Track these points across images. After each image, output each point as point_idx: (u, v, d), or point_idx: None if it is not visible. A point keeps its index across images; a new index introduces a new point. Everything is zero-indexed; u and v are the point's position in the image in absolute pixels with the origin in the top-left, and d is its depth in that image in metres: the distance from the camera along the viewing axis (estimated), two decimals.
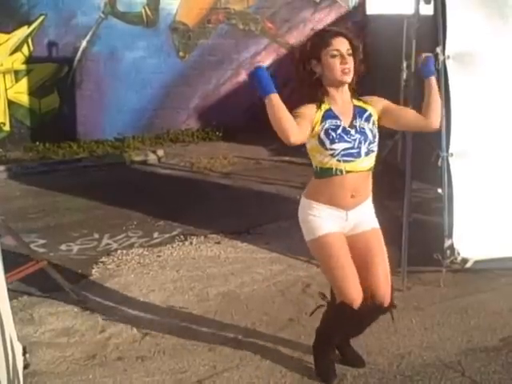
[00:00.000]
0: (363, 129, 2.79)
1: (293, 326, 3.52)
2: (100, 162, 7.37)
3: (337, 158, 2.76)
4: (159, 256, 4.59)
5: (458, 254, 3.89)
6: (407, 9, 4.45)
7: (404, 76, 6.34)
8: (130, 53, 8.33)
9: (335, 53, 2.72)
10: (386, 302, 2.89)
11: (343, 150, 2.75)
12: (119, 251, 4.67)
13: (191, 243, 4.82)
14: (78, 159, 7.50)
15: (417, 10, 3.97)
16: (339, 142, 2.75)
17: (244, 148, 7.90)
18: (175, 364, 3.18)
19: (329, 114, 2.77)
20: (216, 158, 7.54)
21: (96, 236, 5.00)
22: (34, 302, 3.84)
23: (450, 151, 3.84)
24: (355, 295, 2.81)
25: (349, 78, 2.76)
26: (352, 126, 2.79)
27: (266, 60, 9.07)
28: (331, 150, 2.75)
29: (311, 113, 2.75)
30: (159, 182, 6.73)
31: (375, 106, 2.87)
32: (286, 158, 7.28)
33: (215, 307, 3.78)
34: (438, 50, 3.75)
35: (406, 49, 6.06)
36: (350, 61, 2.74)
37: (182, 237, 4.95)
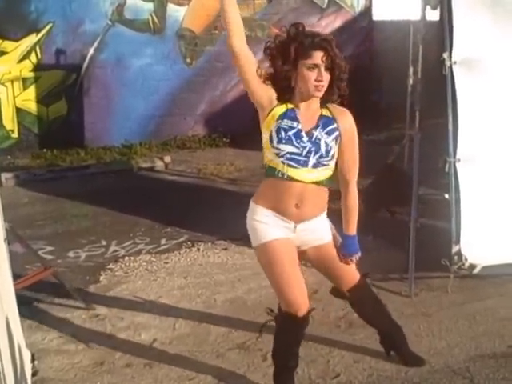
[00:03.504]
0: (319, 140, 2.69)
1: None
2: (107, 168, 7.40)
3: (281, 159, 2.69)
4: (166, 263, 4.59)
5: (466, 259, 3.88)
6: (414, 15, 4.45)
7: (410, 81, 6.34)
8: (137, 60, 8.37)
9: (312, 66, 2.62)
10: (353, 283, 3.02)
11: (289, 153, 2.67)
12: (127, 258, 4.68)
13: (198, 250, 4.83)
14: (86, 166, 7.53)
15: (423, 15, 3.98)
16: (286, 143, 2.67)
17: (251, 154, 7.88)
18: (183, 371, 3.18)
19: (289, 114, 2.70)
20: (223, 164, 7.56)
21: (103, 243, 5.01)
22: (42, 308, 3.85)
23: (458, 157, 3.84)
24: (300, 302, 2.77)
25: (320, 94, 2.68)
26: (309, 133, 2.70)
27: None
28: (277, 149, 2.68)
29: (272, 95, 2.71)
30: (166, 188, 6.74)
31: (340, 124, 2.75)
32: None
33: (222, 314, 3.78)
34: (445, 55, 3.75)
35: (413, 54, 6.07)
36: (326, 77, 2.64)
37: (189, 243, 4.96)
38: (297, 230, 2.79)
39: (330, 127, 2.73)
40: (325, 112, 2.75)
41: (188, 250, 4.84)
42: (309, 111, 2.73)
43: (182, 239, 5.06)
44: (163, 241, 5.05)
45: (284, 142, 2.68)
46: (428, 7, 3.94)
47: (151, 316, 3.76)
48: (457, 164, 3.84)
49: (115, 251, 4.85)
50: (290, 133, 2.68)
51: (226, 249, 4.83)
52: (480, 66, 3.80)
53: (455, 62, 3.75)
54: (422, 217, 4.17)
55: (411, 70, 6.21)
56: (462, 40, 3.75)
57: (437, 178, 4.24)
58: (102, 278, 4.34)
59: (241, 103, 8.98)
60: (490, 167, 3.86)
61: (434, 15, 4.09)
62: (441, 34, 3.84)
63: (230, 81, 8.99)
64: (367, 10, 9.62)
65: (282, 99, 2.72)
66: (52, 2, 7.82)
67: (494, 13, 3.78)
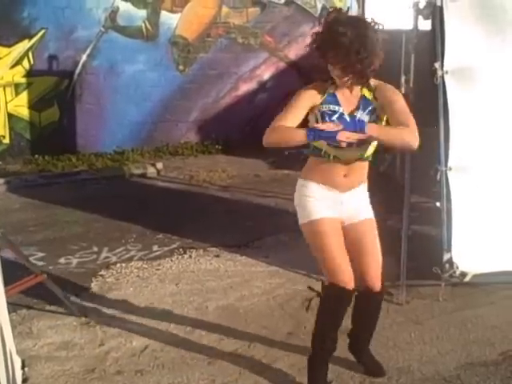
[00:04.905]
0: (362, 121, 2.75)
1: (292, 340, 3.52)
2: (99, 174, 7.39)
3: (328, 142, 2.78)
4: (158, 269, 4.58)
5: (457, 267, 3.89)
6: (406, 24, 4.49)
7: (402, 90, 6.37)
8: (129, 66, 8.38)
9: None
10: (377, 287, 2.96)
11: None
12: (118, 264, 4.67)
13: (190, 256, 4.83)
14: (78, 172, 7.52)
15: (415, 25, 4.00)
16: None
17: (243, 161, 7.92)
18: (174, 378, 3.17)
19: (330, 99, 2.80)
20: (215, 171, 7.56)
21: (95, 249, 5.00)
22: (33, 315, 3.84)
23: (449, 165, 3.86)
24: (346, 277, 2.84)
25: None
26: (351, 114, 2.80)
27: (266, 74, 9.13)
28: None
29: (312, 98, 2.80)
30: (158, 195, 6.74)
31: (378, 98, 2.83)
32: (285, 172, 7.31)
33: (214, 321, 3.77)
34: (437, 65, 3.78)
35: (405, 63, 6.10)
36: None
37: (181, 250, 4.96)
38: (344, 199, 2.89)
39: (369, 108, 2.82)
40: (365, 92, 2.84)
41: (180, 256, 4.83)
42: (351, 93, 2.83)
43: (173, 246, 5.05)
44: (155, 247, 5.04)
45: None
46: (420, 17, 3.97)
47: (143, 323, 3.75)
48: (448, 173, 3.87)
49: (107, 258, 4.83)
50: (334, 117, 2.78)
51: (218, 256, 4.83)
52: (471, 76, 3.83)
53: (447, 72, 3.78)
54: (414, 225, 4.19)
55: (403, 78, 6.25)
56: (453, 50, 3.78)
57: (428, 186, 4.26)
58: (93, 284, 4.32)
59: (233, 110, 9.02)
60: (482, 176, 3.89)
61: (426, 25, 4.13)
62: (433, 44, 3.88)
63: (223, 88, 9.01)
64: None
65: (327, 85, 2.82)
66: (45, 8, 7.82)
67: (485, 23, 3.81)
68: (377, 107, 2.83)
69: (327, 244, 2.85)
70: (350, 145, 2.75)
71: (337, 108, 2.80)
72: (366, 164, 2.94)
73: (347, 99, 2.82)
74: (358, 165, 2.89)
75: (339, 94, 2.82)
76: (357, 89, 2.84)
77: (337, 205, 2.90)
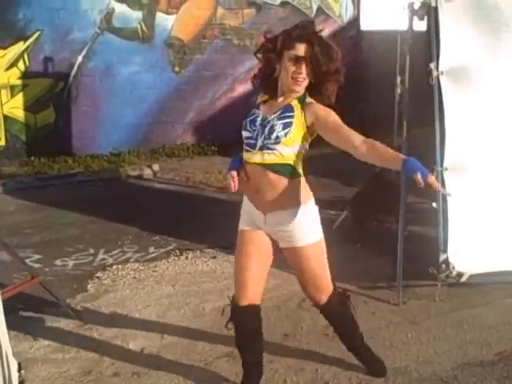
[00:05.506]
0: (268, 123, 2.69)
1: (288, 341, 3.52)
2: (95, 176, 7.39)
3: (244, 146, 2.81)
4: (155, 271, 4.58)
5: (453, 268, 3.90)
6: (401, 25, 4.49)
7: (398, 91, 6.39)
8: (125, 68, 8.38)
9: (294, 58, 2.61)
10: (322, 301, 2.97)
11: (246, 137, 2.78)
12: (115, 266, 4.67)
13: (187, 258, 4.82)
14: (74, 174, 7.52)
15: (410, 26, 4.01)
16: (243, 129, 2.80)
17: None
18: (171, 380, 3.17)
19: (258, 105, 2.84)
20: (211, 172, 7.56)
21: (91, 251, 4.99)
22: (30, 317, 3.82)
23: (445, 165, 3.87)
24: (241, 292, 2.84)
25: (298, 88, 2.66)
26: (264, 118, 2.74)
27: None
28: (243, 135, 2.82)
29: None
30: (154, 196, 6.73)
31: (308, 114, 2.65)
32: None
33: (211, 322, 3.77)
34: (432, 65, 3.79)
35: (400, 64, 6.11)
36: (306, 70, 2.61)
37: (177, 251, 4.96)
38: (267, 221, 2.81)
39: (285, 114, 2.68)
40: (293, 102, 2.70)
41: (176, 258, 4.83)
42: (283, 101, 2.73)
43: (170, 247, 5.05)
44: (151, 249, 5.04)
45: (243, 128, 2.81)
46: (415, 18, 3.98)
47: (139, 325, 3.74)
48: (444, 173, 3.87)
49: (103, 259, 4.83)
50: (248, 119, 2.82)
51: (214, 257, 4.82)
52: (467, 76, 3.83)
53: (442, 72, 3.78)
54: (410, 225, 4.19)
55: (399, 79, 6.26)
56: (448, 50, 3.78)
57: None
58: (89, 286, 4.31)
59: (229, 112, 9.02)
60: (477, 176, 3.89)
61: (421, 25, 4.14)
62: (428, 45, 3.88)
63: (219, 89, 9.02)
64: (355, 20, 9.69)
65: (263, 87, 2.82)
66: (40, 10, 7.82)
67: (480, 23, 3.82)
68: (297, 118, 2.65)
69: (239, 257, 2.87)
70: (253, 147, 2.72)
71: (256, 112, 2.81)
72: (282, 183, 2.71)
73: (271, 107, 2.75)
74: (268, 181, 2.71)
75: (268, 103, 2.79)
76: (288, 100, 2.71)
77: (259, 223, 2.84)
